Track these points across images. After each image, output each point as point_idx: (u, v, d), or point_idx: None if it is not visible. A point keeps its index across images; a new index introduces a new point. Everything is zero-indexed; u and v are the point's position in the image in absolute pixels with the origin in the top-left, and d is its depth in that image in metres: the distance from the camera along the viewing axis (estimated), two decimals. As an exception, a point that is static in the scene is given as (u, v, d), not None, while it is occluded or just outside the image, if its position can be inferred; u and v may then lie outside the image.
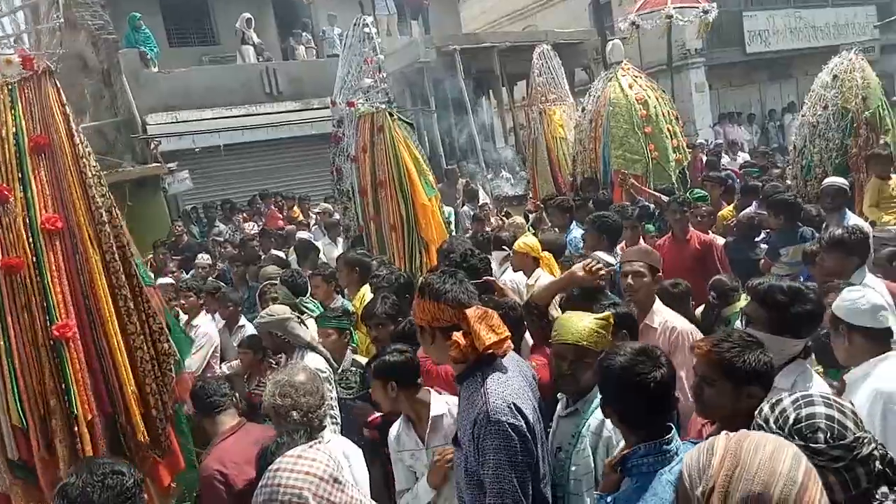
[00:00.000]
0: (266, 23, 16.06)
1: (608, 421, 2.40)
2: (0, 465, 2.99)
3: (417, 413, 2.93)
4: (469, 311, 2.32)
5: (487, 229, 7.62)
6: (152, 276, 3.48)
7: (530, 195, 9.97)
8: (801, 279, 5.03)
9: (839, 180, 5.93)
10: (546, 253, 5.31)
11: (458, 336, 2.29)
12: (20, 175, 2.98)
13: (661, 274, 3.56)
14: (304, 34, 16.55)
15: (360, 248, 6.47)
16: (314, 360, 4.12)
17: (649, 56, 16.29)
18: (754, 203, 6.71)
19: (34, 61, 3.07)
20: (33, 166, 3.00)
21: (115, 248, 3.07)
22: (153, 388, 3.10)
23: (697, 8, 11.89)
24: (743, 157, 13.58)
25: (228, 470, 2.89)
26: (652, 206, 7.30)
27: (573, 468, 2.48)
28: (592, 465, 2.44)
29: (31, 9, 5.09)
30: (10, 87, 3.02)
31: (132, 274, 3.14)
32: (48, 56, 3.25)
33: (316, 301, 5.20)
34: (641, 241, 5.59)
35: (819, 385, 2.51)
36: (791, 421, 1.52)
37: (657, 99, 8.55)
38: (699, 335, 3.32)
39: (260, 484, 1.87)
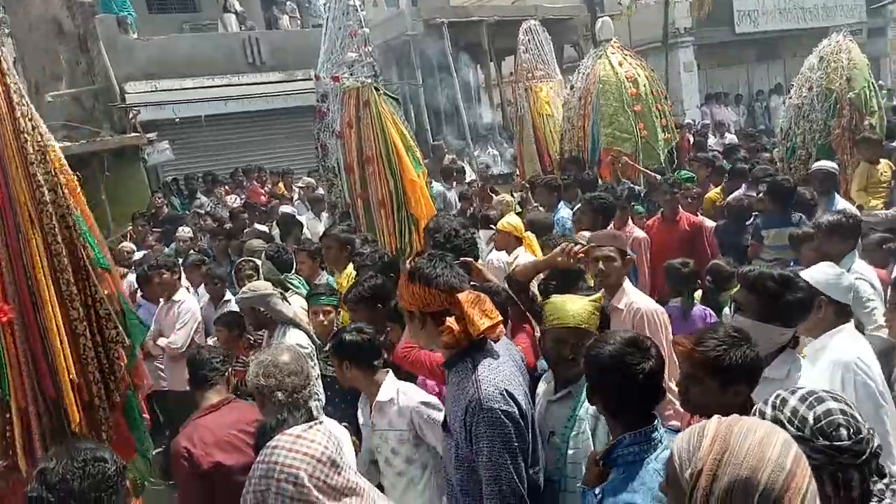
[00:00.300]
0: (249, -10, 15.72)
1: None
2: None
3: (371, 394, 2.99)
4: (461, 296, 2.28)
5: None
6: (109, 258, 3.25)
7: (517, 173, 9.87)
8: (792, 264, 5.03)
9: (828, 164, 5.92)
10: (529, 233, 5.27)
11: (451, 322, 2.25)
12: None
13: (630, 257, 3.56)
14: (287, 3, 16.21)
15: (348, 223, 6.38)
16: (296, 336, 4.09)
17: (639, 34, 16.17)
18: (743, 186, 6.69)
19: None
20: None
21: (57, 230, 2.90)
22: (95, 376, 2.98)
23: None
24: (730, 138, 13.57)
25: (196, 450, 2.89)
26: (637, 187, 7.26)
27: (571, 452, 2.44)
28: (593, 447, 2.41)
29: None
30: None
31: (79, 257, 2.97)
32: None
33: (301, 277, 5.10)
34: (630, 222, 5.54)
35: (809, 375, 2.50)
36: (811, 421, 1.48)
37: (647, 78, 8.47)
38: (664, 316, 3.35)
39: (257, 459, 1.85)
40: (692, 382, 2.10)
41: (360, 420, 3.20)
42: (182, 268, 5.97)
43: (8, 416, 2.87)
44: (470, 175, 11.21)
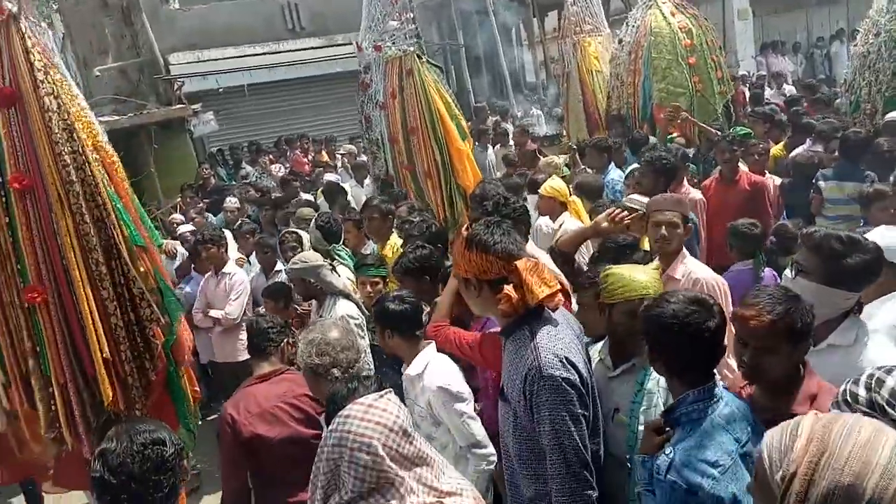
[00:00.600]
0: (286, -46, 15.51)
1: None
2: None
3: (409, 364, 3.03)
4: (519, 264, 2.23)
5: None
6: (145, 235, 3.19)
7: (563, 134, 9.59)
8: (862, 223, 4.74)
9: (901, 116, 5.53)
10: (574, 197, 5.08)
11: (509, 289, 2.20)
12: None
13: (690, 224, 3.39)
14: (326, -34, 15.95)
15: (391, 191, 6.30)
16: (346, 307, 4.09)
17: (689, -19, 15.37)
18: (808, 141, 6.31)
19: (1, 5, 2.83)
20: (2, 121, 2.82)
21: (85, 210, 2.88)
22: (127, 355, 2.99)
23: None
24: (788, 89, 12.91)
25: (239, 417, 2.93)
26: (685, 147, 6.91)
27: (641, 427, 2.33)
28: None
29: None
30: None
31: (109, 235, 2.95)
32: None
33: (347, 249, 5.06)
34: (686, 183, 5.28)
35: (880, 343, 2.35)
36: None
37: (701, 27, 8.03)
38: (725, 286, 3.17)
39: (329, 428, 1.86)
40: (767, 353, 2.02)
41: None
42: (235, 237, 6.07)
43: (50, 390, 2.93)
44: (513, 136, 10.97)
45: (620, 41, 8.49)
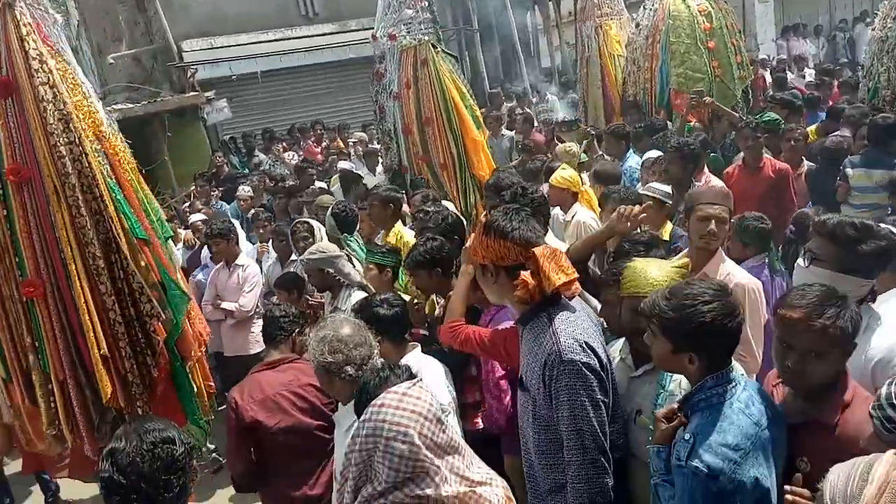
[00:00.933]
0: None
1: None
2: (2, 403, 3.06)
3: None
4: (537, 250, 2.22)
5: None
6: (148, 227, 3.11)
7: (580, 120, 9.41)
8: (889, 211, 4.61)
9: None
10: (587, 187, 4.95)
11: (526, 276, 2.21)
12: None
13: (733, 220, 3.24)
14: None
15: (401, 181, 6.23)
16: (360, 298, 3.99)
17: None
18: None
19: None
20: (0, 111, 2.76)
21: (81, 202, 2.81)
22: (127, 351, 2.94)
23: None
24: (810, 73, 12.61)
25: (243, 402, 2.97)
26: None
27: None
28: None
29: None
30: None
31: (108, 228, 2.89)
32: None
33: (359, 239, 5.00)
34: (707, 171, 5.14)
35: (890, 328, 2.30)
36: None
37: (720, 10, 7.83)
38: (761, 291, 3.05)
39: (362, 419, 1.83)
40: (815, 358, 1.91)
41: None
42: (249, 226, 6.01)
43: (50, 386, 2.90)
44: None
45: (638, 25, 8.30)
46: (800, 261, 2.44)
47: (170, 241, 3.54)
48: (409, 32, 6.19)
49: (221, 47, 12.79)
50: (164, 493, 1.88)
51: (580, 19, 9.43)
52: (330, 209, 5.15)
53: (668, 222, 4.22)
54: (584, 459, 2.10)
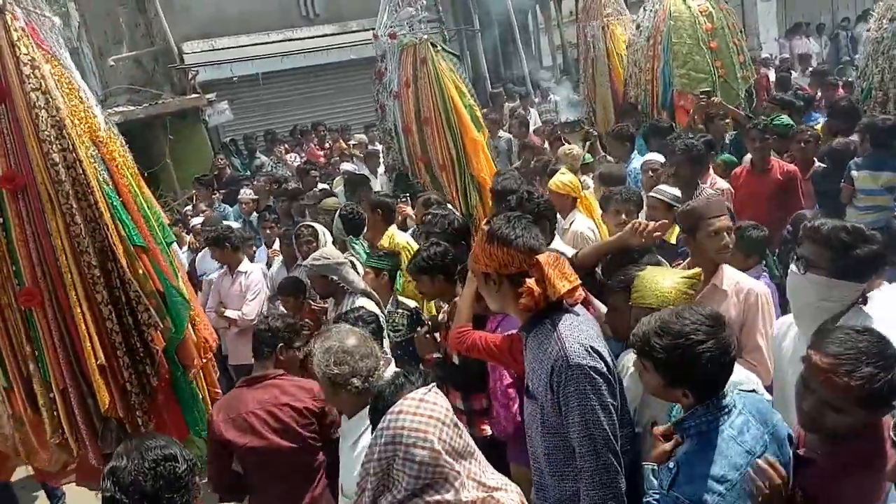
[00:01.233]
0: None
1: None
2: (3, 414, 3.01)
3: None
4: (541, 257, 2.21)
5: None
6: (146, 233, 3.06)
7: (584, 120, 9.37)
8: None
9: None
10: (587, 192, 4.89)
11: (531, 283, 2.19)
12: None
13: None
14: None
15: (408, 182, 6.20)
16: (365, 305, 3.98)
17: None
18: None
19: None
20: None
21: (75, 210, 2.78)
22: (125, 360, 2.90)
23: None
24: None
25: (216, 418, 2.95)
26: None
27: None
28: None
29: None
30: None
31: (103, 236, 2.85)
32: None
33: (364, 243, 4.98)
34: (712, 172, 5.11)
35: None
36: None
37: (721, 11, 7.80)
38: (769, 293, 2.99)
39: (379, 426, 1.81)
40: (833, 410, 1.78)
41: None
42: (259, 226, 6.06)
43: (51, 395, 2.87)
44: (534, 123, 10.79)
45: (638, 26, 8.25)
46: (793, 267, 2.42)
47: (173, 246, 3.51)
48: (411, 28, 6.16)
49: (222, 49, 12.76)
50: None
51: (584, 19, 9.37)
52: (338, 211, 5.14)
53: (676, 226, 4.19)
54: (597, 464, 2.08)
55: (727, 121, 6.97)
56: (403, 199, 5.90)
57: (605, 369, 2.13)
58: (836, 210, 4.86)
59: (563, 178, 4.77)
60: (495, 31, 14.39)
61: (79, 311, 2.78)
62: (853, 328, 1.84)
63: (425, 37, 6.08)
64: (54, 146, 2.75)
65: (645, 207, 4.47)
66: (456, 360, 3.22)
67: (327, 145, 11.81)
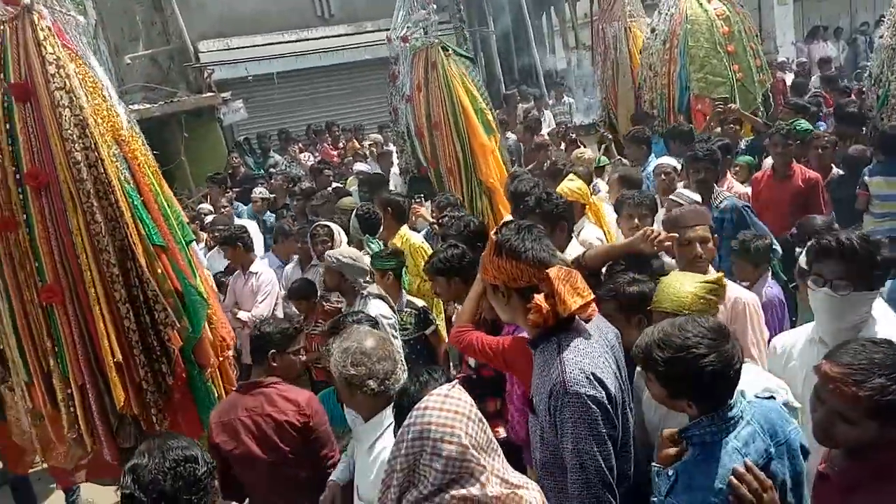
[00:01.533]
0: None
1: None
2: (21, 410, 3.06)
3: None
4: (552, 272, 2.10)
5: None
6: (166, 233, 3.06)
7: (599, 123, 9.31)
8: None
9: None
10: (596, 198, 4.85)
11: (540, 299, 2.09)
12: (7, 126, 2.76)
13: (716, 236, 3.16)
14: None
15: (420, 184, 6.20)
16: (378, 306, 4.02)
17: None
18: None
19: None
20: (19, 116, 2.75)
21: (96, 209, 2.79)
22: (142, 359, 2.92)
23: None
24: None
25: (212, 421, 2.99)
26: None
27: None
28: None
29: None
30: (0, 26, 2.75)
31: (123, 235, 2.86)
32: None
33: (380, 242, 4.99)
34: (729, 177, 5.07)
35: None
36: None
37: (738, 14, 7.74)
38: (757, 301, 2.96)
39: (405, 423, 1.79)
40: (843, 420, 1.74)
41: None
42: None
43: (70, 391, 2.90)
44: (549, 125, 10.76)
45: (653, 30, 8.20)
46: (822, 289, 2.25)
47: (192, 244, 3.51)
48: (425, 31, 6.16)
49: (238, 48, 12.82)
50: None
51: (604, 20, 9.29)
52: (354, 210, 5.14)
53: None
54: (587, 494, 2.03)
55: (737, 127, 6.92)
56: (418, 200, 5.89)
57: (604, 398, 2.04)
58: (851, 217, 4.80)
59: (571, 185, 4.68)
60: (510, 33, 14.35)
61: (97, 308, 2.80)
62: (871, 339, 1.82)
63: (436, 40, 6.06)
64: (77, 145, 2.77)
65: (660, 211, 4.44)
66: (472, 363, 3.21)
67: (341, 145, 11.83)
